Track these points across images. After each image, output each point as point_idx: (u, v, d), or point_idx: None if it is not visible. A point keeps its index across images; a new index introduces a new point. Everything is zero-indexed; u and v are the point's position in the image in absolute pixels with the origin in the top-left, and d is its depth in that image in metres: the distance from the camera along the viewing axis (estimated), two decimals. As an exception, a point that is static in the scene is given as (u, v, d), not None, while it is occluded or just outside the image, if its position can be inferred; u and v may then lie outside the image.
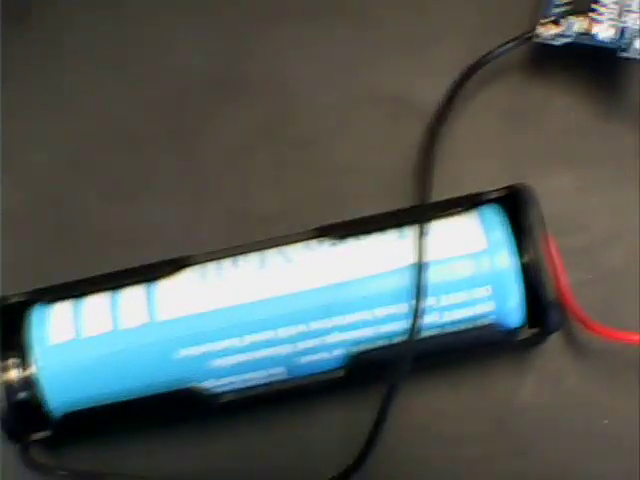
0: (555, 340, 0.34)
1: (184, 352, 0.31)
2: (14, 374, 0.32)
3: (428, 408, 0.34)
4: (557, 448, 0.33)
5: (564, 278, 0.32)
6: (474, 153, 0.35)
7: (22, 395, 0.32)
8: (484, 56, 0.34)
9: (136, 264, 0.33)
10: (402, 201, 0.34)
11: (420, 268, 0.30)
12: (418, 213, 0.32)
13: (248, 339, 0.31)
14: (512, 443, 0.34)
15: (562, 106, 0.36)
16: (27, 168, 0.37)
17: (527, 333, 0.32)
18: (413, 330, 0.30)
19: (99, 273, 0.33)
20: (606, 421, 0.34)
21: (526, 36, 0.34)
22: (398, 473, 0.34)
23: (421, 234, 0.31)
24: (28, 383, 0.32)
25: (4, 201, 0.36)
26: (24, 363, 0.32)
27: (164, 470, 0.34)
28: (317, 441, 0.34)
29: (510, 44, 0.34)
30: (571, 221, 0.35)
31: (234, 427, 0.34)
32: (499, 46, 0.34)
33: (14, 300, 0.33)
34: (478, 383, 0.34)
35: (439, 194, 0.33)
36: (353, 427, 0.32)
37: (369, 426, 0.31)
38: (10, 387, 0.32)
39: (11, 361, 0.32)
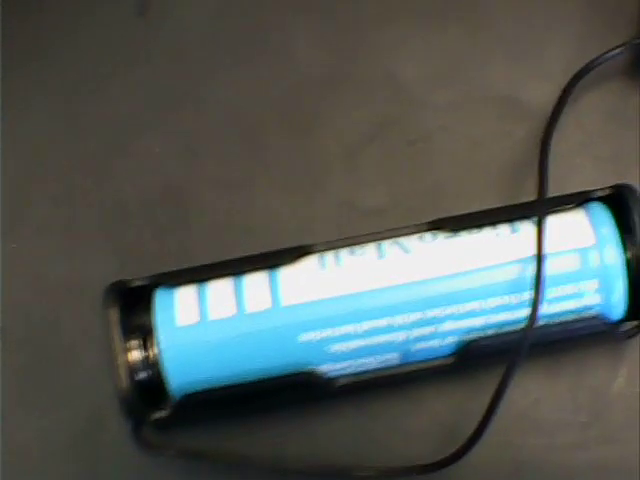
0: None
1: (304, 337, 0.33)
2: (136, 355, 0.33)
3: (525, 397, 0.35)
4: (649, 437, 0.35)
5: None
6: (577, 154, 0.37)
7: (143, 375, 0.33)
8: (592, 61, 0.36)
9: (252, 252, 0.34)
10: (510, 198, 0.35)
11: (539, 260, 0.32)
12: (532, 208, 0.33)
13: (365, 325, 0.33)
14: (606, 432, 0.35)
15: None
16: (148, 158, 0.38)
17: (627, 326, 0.33)
18: (531, 319, 0.31)
19: (219, 259, 0.34)
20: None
21: (635, 42, 0.36)
22: (495, 459, 0.35)
23: (540, 228, 0.32)
24: (150, 364, 0.33)
25: (128, 190, 0.38)
26: (146, 344, 0.33)
27: (269, 452, 0.35)
28: (424, 428, 0.35)
29: (618, 50, 0.36)
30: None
31: (344, 413, 0.35)
32: (607, 51, 0.36)
33: (137, 284, 0.34)
34: (574, 373, 0.35)
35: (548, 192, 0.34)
36: (457, 414, 0.34)
37: (472, 415, 0.32)
38: (132, 367, 0.33)
39: (133, 342, 0.33)
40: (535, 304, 0.31)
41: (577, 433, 0.35)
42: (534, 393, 0.36)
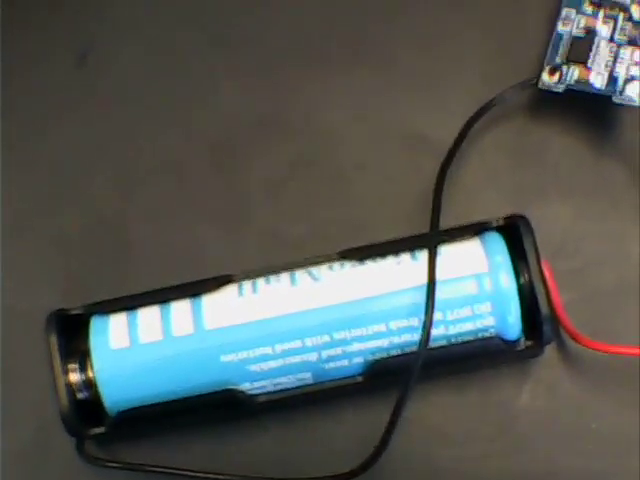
0: (550, 352, 0.38)
1: (226, 358, 0.36)
2: (74, 377, 0.36)
3: (436, 411, 0.38)
4: (551, 448, 0.37)
5: (557, 297, 0.36)
6: (480, 186, 0.39)
7: (81, 395, 0.36)
8: (492, 99, 0.38)
9: (182, 279, 0.37)
10: (416, 228, 0.37)
11: (430, 285, 0.34)
12: (428, 239, 0.36)
13: (280, 347, 0.36)
14: (512, 443, 0.38)
15: (561, 145, 0.39)
16: (88, 191, 0.41)
17: (524, 345, 0.36)
18: (423, 340, 0.34)
19: (149, 289, 0.37)
20: (594, 425, 0.38)
21: (531, 82, 0.38)
22: (407, 469, 0.38)
23: (431, 257, 0.35)
24: (87, 385, 0.36)
25: (63, 222, 0.41)
26: (84, 367, 0.36)
27: (204, 463, 0.38)
28: (339, 439, 0.38)
29: (516, 89, 0.38)
30: (566, 246, 0.39)
31: (267, 427, 0.38)
32: (506, 90, 0.38)
33: (75, 312, 0.37)
34: (481, 390, 0.38)
35: (448, 222, 0.37)
36: (370, 427, 0.36)
37: (384, 426, 0.35)
38: (70, 388, 0.36)
39: (71, 366, 0.37)
40: (427, 326, 0.34)
41: (485, 444, 0.38)
42: (444, 408, 0.38)
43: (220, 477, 0.37)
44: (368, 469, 0.35)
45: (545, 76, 0.38)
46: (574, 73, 0.38)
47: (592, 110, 0.39)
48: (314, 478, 0.36)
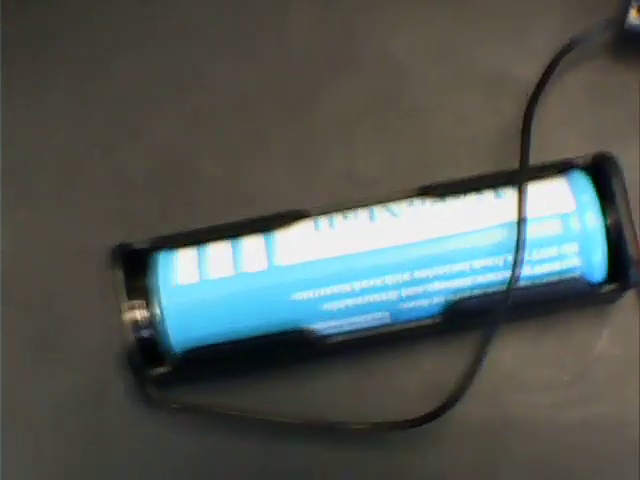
0: (629, 297, 0.37)
1: (298, 295, 0.34)
2: (139, 314, 0.35)
3: (511, 357, 0.37)
4: (629, 397, 0.36)
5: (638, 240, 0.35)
6: (560, 127, 0.38)
7: (146, 333, 0.35)
8: (576, 38, 0.37)
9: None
10: (493, 168, 0.36)
11: (520, 223, 0.33)
12: (514, 175, 0.35)
13: (357, 285, 0.34)
14: (588, 391, 0.37)
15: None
16: (150, 131, 0.40)
17: (608, 288, 0.35)
18: (512, 280, 0.33)
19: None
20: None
21: (617, 21, 0.37)
22: (479, 416, 0.37)
23: (521, 193, 0.34)
24: (152, 322, 0.35)
25: (132, 162, 0.39)
26: (149, 304, 0.35)
27: (266, 407, 0.36)
28: (412, 384, 0.37)
29: (601, 28, 0.37)
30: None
31: (336, 371, 0.37)
32: (590, 29, 0.37)
33: (140, 246, 0.36)
34: (558, 335, 0.37)
35: (531, 161, 0.35)
36: (447, 373, 0.35)
37: (460, 372, 0.34)
38: (135, 325, 0.35)
39: (136, 302, 0.35)
40: (515, 264, 0.33)
41: (561, 392, 0.37)
42: (520, 353, 0.37)
43: (286, 421, 0.36)
44: (442, 415, 0.34)
45: (632, 15, 0.37)
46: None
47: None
48: (389, 423, 0.35)
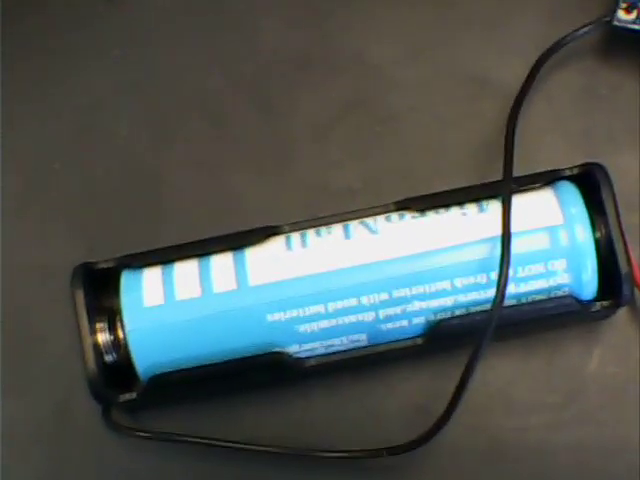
0: (621, 315, 0.35)
1: (272, 317, 0.32)
2: (103, 337, 0.33)
3: (499, 378, 0.35)
4: (622, 418, 0.35)
5: (631, 254, 0.33)
6: (546, 132, 0.36)
7: (109, 358, 0.33)
8: (562, 39, 0.35)
9: (219, 233, 0.34)
10: (477, 178, 0.35)
11: (505, 238, 0.31)
12: (498, 188, 0.33)
13: (332, 306, 0.32)
14: (580, 413, 0.35)
15: (634, 89, 0.37)
16: (115, 141, 0.38)
17: (599, 305, 0.33)
18: (496, 299, 0.31)
19: (186, 241, 0.34)
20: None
21: (605, 20, 0.36)
22: (467, 440, 0.35)
23: (506, 206, 0.32)
24: (118, 346, 0.33)
25: (96, 173, 0.38)
26: (113, 326, 0.33)
27: (239, 434, 0.35)
28: (396, 409, 0.35)
29: (588, 27, 0.36)
30: (637, 198, 0.36)
31: (314, 394, 0.35)
32: (577, 29, 0.36)
33: (104, 265, 0.34)
34: (548, 355, 0.35)
35: (515, 170, 0.33)
36: (430, 397, 0.34)
37: (444, 396, 0.32)
38: (98, 349, 0.33)
39: (100, 325, 0.33)
40: (501, 282, 0.31)
41: (552, 414, 0.35)
42: (508, 375, 0.35)
43: (260, 449, 0.34)
44: (429, 441, 0.32)
45: (621, 13, 0.36)
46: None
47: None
48: (372, 449, 0.33)
